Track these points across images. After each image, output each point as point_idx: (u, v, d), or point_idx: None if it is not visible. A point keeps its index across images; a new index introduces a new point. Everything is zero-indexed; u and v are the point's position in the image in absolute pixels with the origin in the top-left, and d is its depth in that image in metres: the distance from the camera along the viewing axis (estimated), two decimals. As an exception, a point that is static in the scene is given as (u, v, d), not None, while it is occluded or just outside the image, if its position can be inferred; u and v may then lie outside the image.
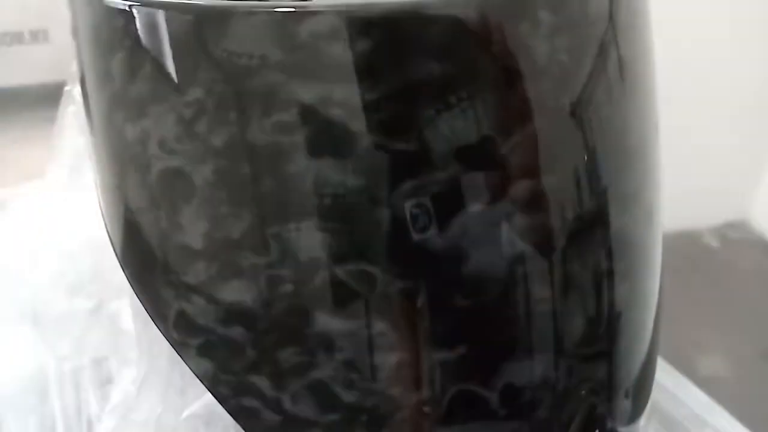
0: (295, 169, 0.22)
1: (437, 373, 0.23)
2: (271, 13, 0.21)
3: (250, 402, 0.25)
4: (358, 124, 0.21)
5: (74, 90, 0.42)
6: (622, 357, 0.27)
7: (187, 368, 0.37)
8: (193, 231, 0.24)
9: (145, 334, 0.39)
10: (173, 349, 0.37)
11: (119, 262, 0.29)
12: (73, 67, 0.42)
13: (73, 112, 0.43)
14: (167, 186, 0.24)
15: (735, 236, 1.25)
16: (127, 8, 0.22)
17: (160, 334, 0.38)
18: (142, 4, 0.22)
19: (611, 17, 0.24)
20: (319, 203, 0.22)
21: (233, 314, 0.24)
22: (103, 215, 0.30)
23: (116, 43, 0.23)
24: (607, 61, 0.24)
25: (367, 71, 0.21)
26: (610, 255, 0.25)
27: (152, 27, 0.22)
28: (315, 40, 0.20)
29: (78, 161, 0.46)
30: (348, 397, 0.24)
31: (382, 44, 0.21)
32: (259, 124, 0.21)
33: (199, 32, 0.21)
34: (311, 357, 0.24)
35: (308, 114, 0.21)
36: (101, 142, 0.27)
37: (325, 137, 0.21)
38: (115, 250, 0.29)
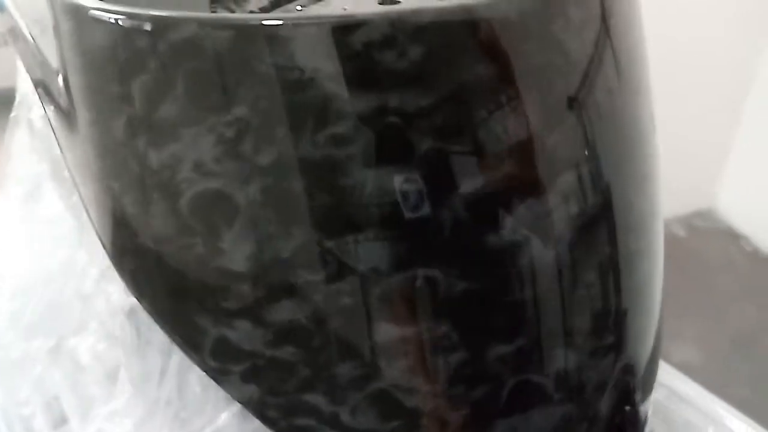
0: (351, 180, 0.21)
1: (498, 367, 0.24)
2: (320, 25, 0.20)
3: (304, 421, 0.25)
4: (414, 130, 0.21)
5: (25, 114, 0.40)
6: (644, 335, 0.28)
7: (192, 398, 0.35)
8: (237, 254, 0.23)
9: (140, 367, 0.37)
10: (178, 380, 0.36)
11: (134, 294, 0.28)
12: (25, 90, 0.40)
13: (25, 137, 0.40)
14: (204, 210, 0.23)
15: (702, 225, 1.29)
16: (155, 28, 0.21)
17: (159, 366, 0.37)
18: (174, 23, 0.21)
19: (617, 8, 0.25)
20: (377, 213, 0.22)
21: (284, 335, 0.24)
22: (106, 247, 0.28)
23: (138, 65, 0.22)
24: (620, 52, 0.25)
25: (420, 77, 0.21)
26: (636, 239, 0.26)
27: (186, 46, 0.21)
28: (367, 49, 0.20)
29: (31, 190, 0.43)
30: (410, 402, 0.24)
31: (433, 49, 0.21)
32: (311, 138, 0.21)
33: (242, 48, 0.21)
34: (371, 368, 0.23)
35: (363, 124, 0.21)
36: (108, 171, 0.25)
37: (381, 146, 0.21)
38: (127, 282, 0.28)
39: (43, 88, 0.34)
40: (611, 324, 0.26)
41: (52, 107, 0.34)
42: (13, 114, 0.41)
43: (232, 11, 0.35)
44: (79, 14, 0.23)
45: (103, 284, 0.37)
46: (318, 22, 0.20)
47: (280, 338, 0.24)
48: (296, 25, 0.20)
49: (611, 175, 0.24)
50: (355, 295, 0.23)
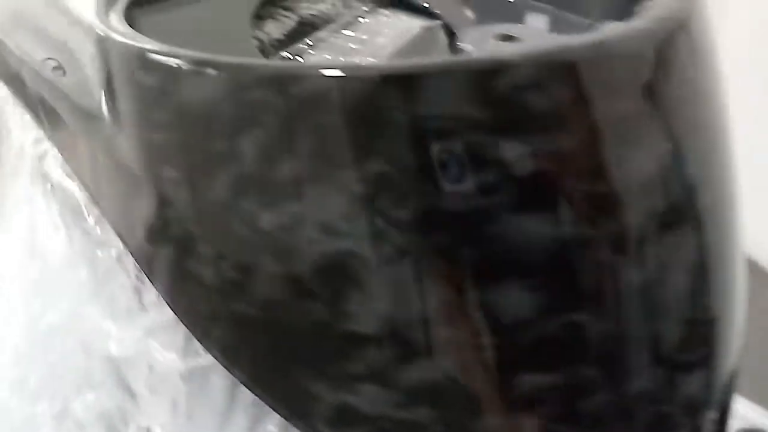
0: (500, 229, 0.20)
1: (638, 404, 0.23)
2: (466, 69, 0.19)
3: (434, 482, 0.23)
4: (563, 172, 0.20)
5: (31, 166, 0.36)
6: (733, 350, 0.28)
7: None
8: (367, 316, 0.21)
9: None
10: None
11: (224, 363, 0.25)
12: (23, 139, 0.36)
13: (34, 191, 0.37)
14: (329, 272, 0.21)
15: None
16: (274, 81, 0.19)
17: (214, 429, 0.34)
18: (297, 77, 0.19)
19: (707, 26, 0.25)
20: (527, 260, 0.20)
21: (417, 395, 0.22)
22: (182, 314, 0.26)
23: (251, 120, 0.20)
24: (717, 71, 0.25)
25: (568, 117, 0.20)
26: (736, 258, 0.26)
27: (312, 99, 0.19)
28: (516, 92, 0.19)
29: (33, 243, 0.39)
30: None
31: (579, 88, 0.20)
32: (456, 189, 0.20)
33: (381, 98, 0.19)
34: (510, 420, 0.22)
35: (512, 170, 0.20)
36: (198, 234, 0.23)
37: (531, 191, 0.20)
38: (213, 350, 0.25)
39: (18, 85, 0.31)
40: (716, 344, 0.26)
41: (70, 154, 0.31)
42: (7, 167, 0.37)
43: (261, 40, 0.33)
44: (167, 68, 0.21)
45: (140, 345, 0.34)
46: (463, 65, 0.19)
47: (412, 399, 0.22)
48: (441, 70, 0.19)
49: (724, 197, 0.24)
50: (497, 348, 0.21)
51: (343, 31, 0.32)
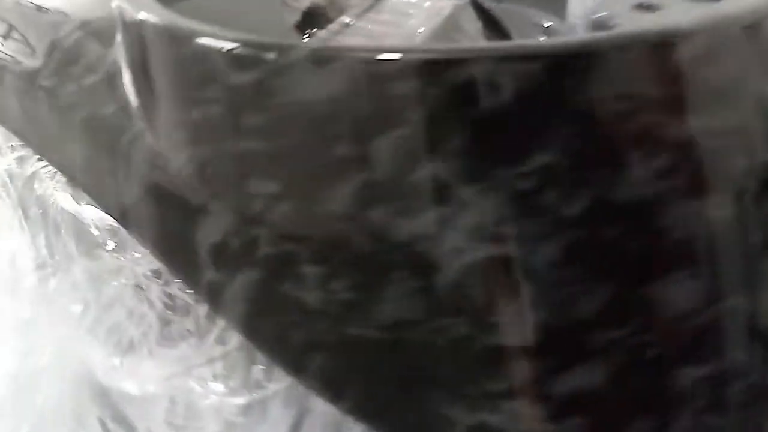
0: (673, 218, 0.18)
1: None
2: (644, 42, 0.17)
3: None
4: (733, 149, 0.18)
5: (20, 186, 0.31)
6: None
7: None
8: (520, 326, 0.19)
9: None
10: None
11: (326, 396, 0.22)
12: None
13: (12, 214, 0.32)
14: (478, 282, 0.19)
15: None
16: (427, 65, 0.16)
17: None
18: (461, 57, 0.16)
19: None
20: (698, 248, 0.19)
21: (569, 406, 0.20)
22: (263, 344, 0.23)
23: (390, 116, 0.17)
24: None
25: (738, 89, 0.18)
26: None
27: (476, 84, 0.16)
28: (693, 66, 0.17)
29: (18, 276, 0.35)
30: None
31: (749, 54, 0.18)
32: (632, 176, 0.18)
33: (555, 80, 0.16)
34: (664, 418, 0.21)
35: (690, 151, 0.18)
36: (302, 253, 0.20)
37: (706, 173, 0.18)
38: (310, 382, 0.22)
39: None
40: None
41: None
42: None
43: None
44: (273, 62, 0.18)
45: (164, 380, 0.31)
46: (639, 37, 0.17)
47: (562, 410, 0.20)
48: (621, 44, 0.17)
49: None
50: (660, 344, 0.20)
51: (368, 15, 0.29)
